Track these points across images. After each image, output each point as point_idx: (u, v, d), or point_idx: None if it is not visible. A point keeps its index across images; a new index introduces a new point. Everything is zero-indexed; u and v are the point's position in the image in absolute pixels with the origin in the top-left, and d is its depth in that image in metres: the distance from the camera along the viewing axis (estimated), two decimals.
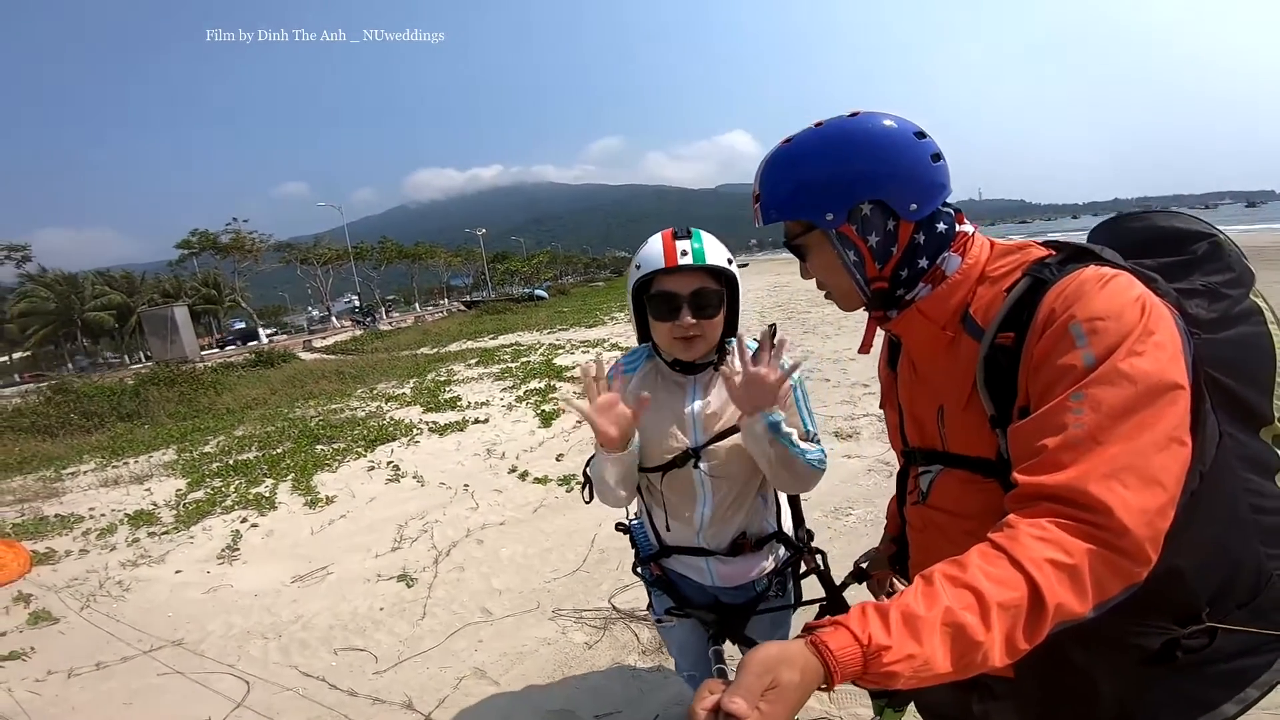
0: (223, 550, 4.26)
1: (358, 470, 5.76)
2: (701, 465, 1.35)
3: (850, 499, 3.76)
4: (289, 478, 5.66)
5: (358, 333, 31.02)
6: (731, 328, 1.36)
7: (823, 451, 1.30)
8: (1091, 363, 0.69)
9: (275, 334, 46.16)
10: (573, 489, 4.61)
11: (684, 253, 1.25)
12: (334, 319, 51.56)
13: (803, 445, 1.24)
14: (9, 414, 10.86)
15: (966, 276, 0.87)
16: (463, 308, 43.88)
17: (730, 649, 1.48)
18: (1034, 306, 0.77)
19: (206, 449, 7.43)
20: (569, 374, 9.05)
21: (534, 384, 8.54)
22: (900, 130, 0.86)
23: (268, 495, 5.23)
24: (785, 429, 1.19)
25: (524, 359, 11.49)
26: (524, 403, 7.61)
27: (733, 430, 1.33)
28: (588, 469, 1.43)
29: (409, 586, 3.45)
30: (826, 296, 0.99)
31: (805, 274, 0.99)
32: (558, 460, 5.38)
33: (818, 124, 0.91)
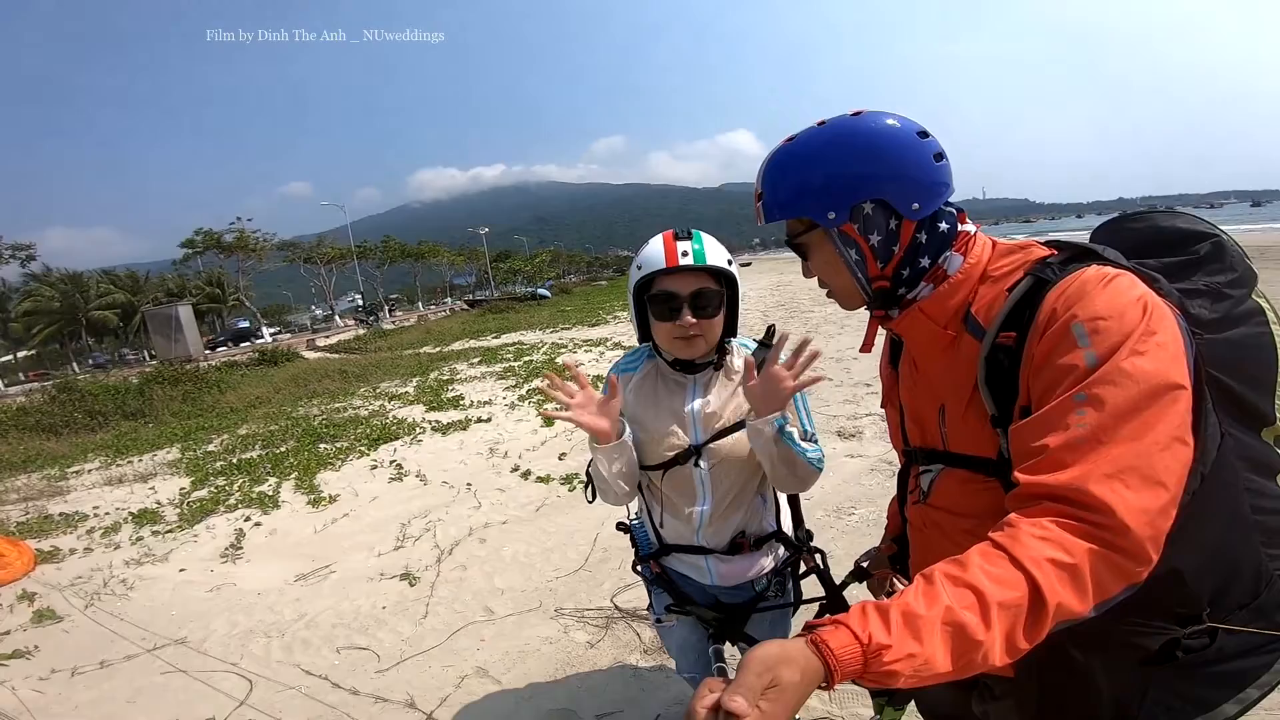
0: (226, 549, 4.28)
1: (361, 469, 5.78)
2: (702, 463, 1.36)
3: (853, 498, 3.76)
4: (292, 476, 5.68)
5: (361, 331, 31.09)
6: (731, 328, 1.38)
7: (821, 451, 1.31)
8: (1093, 362, 0.69)
9: (279, 333, 46.28)
10: (575, 488, 4.61)
11: (684, 253, 1.26)
12: (337, 318, 51.72)
13: (803, 445, 1.26)
14: (14, 412, 10.93)
15: (968, 276, 0.87)
16: (466, 307, 43.89)
17: (730, 648, 1.48)
18: (1036, 306, 0.76)
19: (210, 448, 7.47)
20: (566, 376, 9.05)
21: (537, 383, 8.54)
22: (903, 130, 0.86)
23: (271, 494, 5.26)
24: (788, 429, 1.21)
25: (526, 358, 11.51)
26: (526, 402, 7.63)
27: (732, 429, 1.35)
28: (589, 470, 1.44)
29: (411, 585, 3.46)
30: (828, 295, 0.99)
31: (807, 273, 0.98)
32: (560, 459, 5.38)
33: (821, 123, 0.90)
